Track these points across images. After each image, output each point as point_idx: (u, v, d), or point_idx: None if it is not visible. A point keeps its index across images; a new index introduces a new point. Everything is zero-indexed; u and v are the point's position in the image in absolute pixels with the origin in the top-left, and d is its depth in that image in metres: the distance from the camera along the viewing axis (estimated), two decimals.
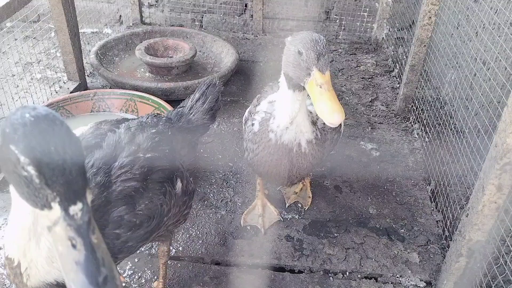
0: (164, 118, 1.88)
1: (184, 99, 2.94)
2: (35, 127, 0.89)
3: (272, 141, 1.97)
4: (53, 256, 1.21)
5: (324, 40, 1.74)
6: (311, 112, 2.05)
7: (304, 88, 1.79)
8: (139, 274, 2.13)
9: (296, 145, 1.96)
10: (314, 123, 2.04)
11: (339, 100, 1.75)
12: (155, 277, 2.11)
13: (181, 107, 2.08)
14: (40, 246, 1.20)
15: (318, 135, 2.04)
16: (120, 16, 4.67)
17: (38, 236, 1.18)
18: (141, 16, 4.46)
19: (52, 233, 0.91)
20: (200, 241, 2.30)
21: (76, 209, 0.91)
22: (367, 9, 4.35)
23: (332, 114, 1.65)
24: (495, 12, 2.56)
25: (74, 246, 0.91)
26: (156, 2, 4.56)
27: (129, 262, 2.17)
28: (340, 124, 2.24)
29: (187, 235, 2.33)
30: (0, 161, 0.93)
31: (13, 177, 0.91)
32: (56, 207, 0.90)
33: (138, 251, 2.20)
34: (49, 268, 1.26)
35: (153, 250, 2.25)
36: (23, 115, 0.90)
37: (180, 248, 2.26)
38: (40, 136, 0.89)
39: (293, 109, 1.88)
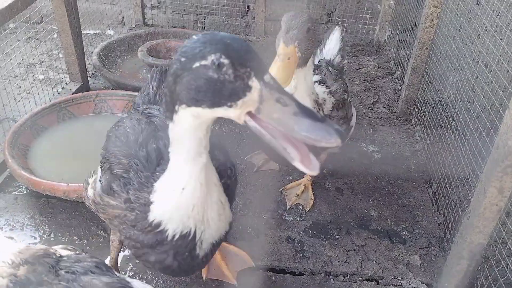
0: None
1: None
2: (203, 38, 1.09)
3: None
4: (221, 207, 1.42)
5: (303, 19, 1.83)
6: (318, 96, 2.08)
7: (303, 65, 1.88)
8: (140, 275, 2.13)
9: None
10: (319, 105, 2.06)
11: None
12: (156, 278, 2.11)
13: (145, 99, 2.03)
14: (213, 199, 1.38)
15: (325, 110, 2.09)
16: (123, 17, 4.68)
17: (210, 188, 1.33)
18: (144, 18, 4.47)
19: (262, 112, 1.05)
20: None
21: (268, 77, 1.07)
22: (369, 11, 4.36)
23: None
24: (497, 15, 2.56)
25: (285, 104, 1.03)
26: (159, 3, 4.58)
27: (130, 264, 2.18)
28: (352, 115, 2.24)
29: None
30: (192, 89, 1.08)
31: (207, 93, 1.07)
32: (255, 83, 1.05)
33: None
34: (219, 223, 1.45)
35: None
36: (187, 44, 1.11)
37: None
38: (211, 39, 1.08)
39: (293, 86, 1.94)
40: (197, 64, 1.08)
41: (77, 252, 1.30)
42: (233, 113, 1.10)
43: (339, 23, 4.44)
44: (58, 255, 1.24)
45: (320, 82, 2.21)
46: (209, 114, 1.14)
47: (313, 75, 2.18)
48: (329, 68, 2.38)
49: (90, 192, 1.73)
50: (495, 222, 1.80)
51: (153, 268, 1.57)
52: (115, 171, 1.53)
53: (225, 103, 1.08)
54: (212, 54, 1.05)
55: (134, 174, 1.47)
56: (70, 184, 2.23)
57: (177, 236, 1.39)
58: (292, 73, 1.80)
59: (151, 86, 2.05)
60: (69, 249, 1.31)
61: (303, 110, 1.03)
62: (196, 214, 1.37)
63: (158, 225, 1.39)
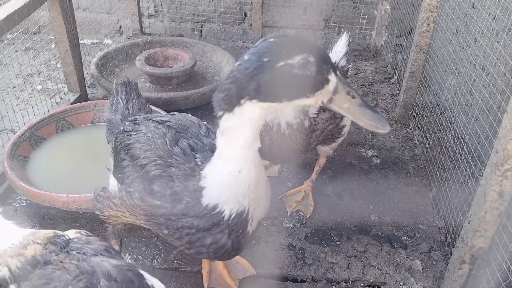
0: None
1: (184, 109, 2.95)
2: (284, 40, 1.24)
3: None
4: (267, 185, 1.60)
5: None
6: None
7: None
8: None
9: (276, 124, 2.12)
10: (304, 110, 2.16)
11: None
12: None
13: (122, 113, 2.08)
14: (262, 178, 1.53)
15: (305, 123, 2.16)
16: (120, 26, 4.70)
17: (260, 169, 1.48)
18: (141, 27, 4.48)
19: (335, 101, 1.27)
20: None
21: (338, 73, 1.26)
22: (366, 17, 4.37)
23: None
24: (493, 19, 2.57)
25: (353, 97, 1.27)
26: (156, 12, 4.59)
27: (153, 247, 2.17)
28: (340, 119, 2.32)
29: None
30: (273, 86, 1.22)
31: (290, 88, 1.23)
32: (332, 77, 1.25)
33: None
34: (265, 201, 1.63)
35: (155, 262, 2.25)
36: (260, 44, 1.25)
37: (183, 260, 2.26)
38: (294, 41, 1.23)
39: None
40: (281, 63, 1.20)
41: (88, 234, 1.33)
42: (309, 101, 1.28)
43: (336, 28, 4.46)
44: (67, 238, 1.27)
45: None
46: (282, 106, 1.29)
47: None
48: None
49: (115, 201, 1.74)
50: (496, 225, 1.80)
51: (206, 253, 1.64)
52: (152, 173, 1.59)
53: (304, 95, 1.25)
54: (299, 54, 1.19)
55: (177, 169, 1.55)
56: (69, 195, 2.22)
57: (233, 215, 1.52)
58: None
59: (120, 100, 2.10)
60: (82, 233, 1.33)
61: (366, 103, 1.28)
62: (250, 193, 1.50)
63: (215, 207, 1.50)
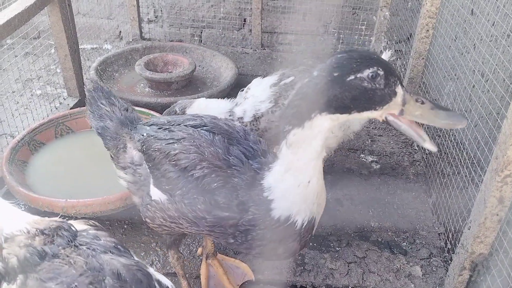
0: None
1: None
2: (353, 55, 1.28)
3: None
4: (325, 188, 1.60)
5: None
6: (245, 111, 2.35)
7: None
8: None
9: None
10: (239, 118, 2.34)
11: None
12: None
13: (114, 119, 2.01)
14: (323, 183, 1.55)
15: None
16: (120, 32, 4.70)
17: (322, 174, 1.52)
18: (141, 32, 4.49)
19: (406, 112, 1.29)
20: (201, 258, 2.28)
21: (404, 85, 1.29)
22: (365, 23, 4.39)
23: None
24: (492, 25, 2.58)
25: (422, 102, 1.28)
26: (156, 17, 4.60)
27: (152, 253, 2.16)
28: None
29: (188, 251, 2.32)
30: (343, 99, 1.27)
31: (359, 101, 1.27)
32: (399, 89, 1.27)
33: None
34: (324, 203, 1.63)
35: (154, 267, 2.23)
36: (329, 60, 1.30)
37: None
38: (362, 55, 1.27)
39: None
40: (351, 77, 1.25)
41: (97, 227, 1.32)
42: (377, 114, 1.31)
43: (335, 34, 4.47)
44: (75, 230, 1.26)
45: (286, 83, 2.38)
46: (351, 117, 1.32)
47: (290, 76, 2.38)
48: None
49: (171, 213, 1.68)
50: (496, 232, 1.79)
51: (274, 257, 1.65)
52: (215, 184, 1.56)
53: (373, 108, 1.28)
54: (370, 68, 1.24)
55: (239, 179, 1.54)
56: (68, 200, 2.21)
57: (305, 224, 1.53)
58: None
59: (101, 105, 2.02)
60: (89, 224, 1.33)
61: (436, 104, 1.29)
62: (319, 199, 1.53)
63: (287, 219, 1.50)
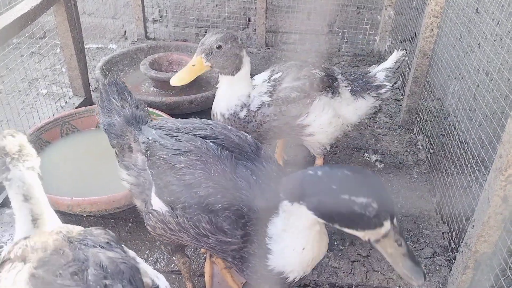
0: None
1: (188, 114, 2.96)
2: (358, 178, 1.29)
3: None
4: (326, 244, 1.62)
5: (217, 37, 2.21)
6: (249, 96, 2.37)
7: (229, 74, 2.29)
8: None
9: (214, 113, 2.42)
10: (243, 104, 2.35)
11: None
12: None
13: (121, 116, 1.96)
14: (323, 244, 1.59)
15: (240, 114, 2.35)
16: (125, 31, 4.73)
17: (322, 237, 1.55)
18: (146, 32, 4.51)
19: (381, 243, 1.32)
20: (205, 256, 2.29)
21: (395, 221, 1.30)
22: (369, 22, 4.39)
23: (174, 77, 2.34)
24: (497, 24, 2.57)
25: (399, 245, 1.31)
26: (161, 17, 4.62)
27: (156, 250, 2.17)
28: (295, 118, 2.41)
29: (192, 249, 2.33)
30: (330, 212, 1.29)
31: (344, 219, 1.28)
32: (387, 223, 1.28)
33: None
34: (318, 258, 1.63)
35: (158, 265, 2.25)
36: (336, 172, 1.31)
37: None
38: (365, 182, 1.29)
39: (218, 84, 2.38)
40: (346, 196, 1.26)
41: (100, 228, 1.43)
42: (359, 234, 1.32)
43: (339, 33, 4.47)
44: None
45: (275, 79, 2.43)
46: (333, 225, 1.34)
47: (278, 72, 2.46)
48: (304, 69, 2.43)
49: (171, 226, 1.68)
50: (500, 231, 1.79)
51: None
52: (219, 206, 1.53)
53: (355, 228, 1.30)
54: (365, 197, 1.25)
55: (248, 209, 1.52)
56: (73, 198, 2.23)
57: (296, 280, 1.58)
58: (191, 77, 2.31)
59: (113, 100, 1.97)
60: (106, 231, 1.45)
61: (410, 254, 1.33)
62: (314, 262, 1.57)
63: (280, 273, 1.54)
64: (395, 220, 1.31)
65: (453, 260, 2.26)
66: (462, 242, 1.98)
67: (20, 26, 2.52)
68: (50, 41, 4.30)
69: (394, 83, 2.69)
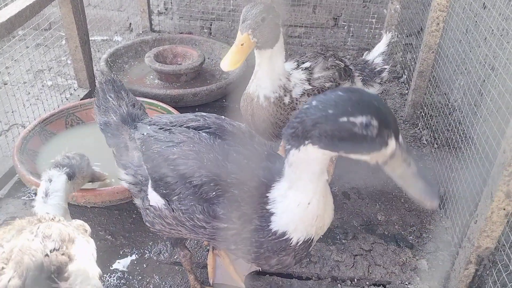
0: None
1: (192, 106, 2.94)
2: (354, 96, 1.23)
3: (246, 91, 2.36)
4: (333, 211, 1.62)
5: (259, 9, 2.08)
6: (289, 80, 2.29)
7: (268, 47, 2.15)
8: (147, 280, 2.14)
9: (256, 96, 2.27)
10: (286, 88, 2.27)
11: None
12: (163, 283, 2.12)
13: (118, 115, 1.97)
14: (329, 206, 1.58)
15: (284, 100, 2.27)
16: (130, 24, 4.72)
17: (328, 198, 1.54)
18: (151, 24, 4.51)
19: (389, 165, 1.28)
20: (208, 248, 2.30)
21: (400, 138, 1.26)
22: (375, 16, 4.36)
23: (223, 60, 2.09)
24: (504, 19, 2.55)
25: (409, 164, 1.27)
26: (166, 10, 4.61)
27: (137, 268, 2.19)
28: None
29: (195, 242, 2.34)
30: (332, 138, 1.25)
31: (347, 144, 1.24)
32: (392, 142, 1.24)
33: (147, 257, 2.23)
34: (329, 224, 1.64)
35: (161, 256, 2.26)
36: (329, 94, 1.27)
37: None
38: (363, 100, 1.22)
39: (257, 64, 2.24)
40: (344, 119, 1.22)
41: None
42: (366, 158, 1.30)
43: (345, 27, 4.45)
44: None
45: (306, 68, 2.41)
46: (341, 154, 1.31)
47: (306, 62, 2.43)
48: (329, 59, 2.47)
49: (169, 221, 1.68)
50: (503, 226, 1.79)
51: (268, 266, 1.67)
52: (213, 193, 1.54)
53: (360, 152, 1.27)
54: (364, 115, 1.20)
55: (240, 190, 1.52)
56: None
57: (300, 242, 1.54)
58: (243, 57, 2.10)
59: (109, 98, 1.97)
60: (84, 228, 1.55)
61: (420, 173, 1.28)
62: (318, 222, 1.53)
63: (283, 234, 1.51)
64: (400, 138, 1.27)
65: (456, 255, 2.26)
66: (465, 237, 1.98)
67: (25, 18, 2.52)
68: (55, 33, 4.31)
69: (392, 65, 2.74)
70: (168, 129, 1.72)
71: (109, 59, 3.60)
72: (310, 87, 2.34)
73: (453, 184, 2.53)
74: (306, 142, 1.31)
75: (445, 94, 3.25)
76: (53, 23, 4.28)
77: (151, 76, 3.67)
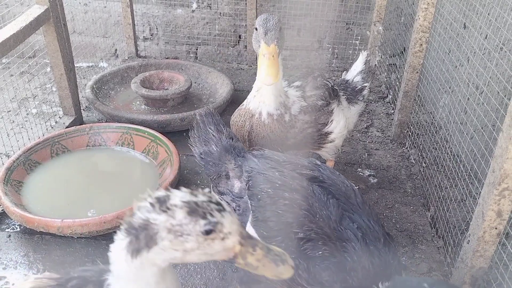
0: None
1: (180, 131, 2.89)
2: None
3: (243, 106, 2.33)
4: None
5: (275, 19, 2.07)
6: (288, 97, 2.30)
7: None
8: None
9: (257, 112, 2.25)
10: (286, 106, 2.27)
11: None
12: None
13: (220, 148, 1.93)
14: None
15: (285, 117, 2.27)
16: (116, 50, 4.73)
17: None
18: (136, 50, 4.51)
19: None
20: (199, 276, 2.26)
21: None
22: (359, 37, 4.43)
23: (266, 76, 1.99)
24: (485, 38, 2.60)
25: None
26: (151, 35, 4.63)
27: None
28: (329, 122, 2.42)
29: (186, 270, 2.29)
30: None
31: None
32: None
33: None
34: None
35: None
36: None
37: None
38: None
39: (256, 80, 2.22)
40: None
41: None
42: None
43: (329, 49, 4.51)
44: None
45: (298, 86, 2.43)
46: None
47: (295, 81, 2.44)
48: (318, 79, 2.50)
49: None
50: (495, 245, 1.78)
51: None
52: (320, 253, 1.39)
53: None
54: None
55: (351, 259, 1.35)
56: (64, 220, 2.19)
57: None
58: (278, 68, 2.04)
59: (210, 130, 1.96)
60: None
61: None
62: None
63: None
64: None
65: (450, 275, 2.25)
66: (458, 257, 1.97)
67: (9, 47, 2.50)
68: (40, 60, 4.28)
69: (371, 81, 2.82)
70: (280, 171, 1.61)
71: (94, 86, 3.58)
72: (306, 104, 2.36)
73: (443, 203, 2.53)
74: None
75: (430, 113, 3.29)
76: (38, 51, 4.26)
77: (138, 102, 3.65)
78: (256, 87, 2.26)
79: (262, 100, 2.23)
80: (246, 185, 1.67)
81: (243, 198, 1.67)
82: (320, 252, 1.37)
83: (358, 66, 2.80)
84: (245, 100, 2.35)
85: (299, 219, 1.43)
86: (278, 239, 1.45)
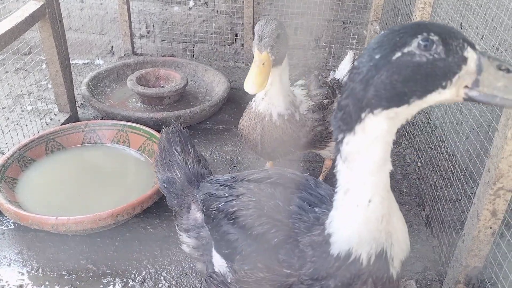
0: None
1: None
2: (396, 28, 1.03)
3: (252, 109, 2.28)
4: (401, 215, 1.29)
5: (273, 26, 2.03)
6: (295, 96, 2.30)
7: (278, 64, 2.11)
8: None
9: (268, 114, 2.22)
10: (294, 105, 2.26)
11: None
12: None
13: (184, 171, 1.84)
14: (395, 206, 1.25)
15: (295, 116, 2.25)
16: (112, 47, 4.71)
17: (391, 195, 1.22)
18: (133, 47, 4.50)
19: (483, 82, 0.98)
20: (194, 274, 2.25)
21: (477, 46, 1.00)
22: (356, 37, 4.43)
23: (251, 84, 1.95)
24: (481, 38, 2.61)
25: (508, 70, 0.97)
26: (148, 33, 4.62)
27: (143, 270, 2.12)
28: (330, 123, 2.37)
29: (180, 268, 2.29)
30: (395, 85, 1.00)
31: (417, 82, 0.99)
32: (470, 53, 0.98)
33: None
34: (405, 234, 1.30)
35: (146, 285, 2.20)
36: (372, 40, 1.07)
37: (173, 282, 2.21)
38: (407, 25, 1.01)
39: (268, 82, 2.14)
40: (398, 54, 0.99)
41: None
42: (449, 93, 1.01)
43: (326, 48, 4.51)
44: None
45: (302, 85, 2.44)
46: (412, 109, 1.05)
47: (298, 80, 2.45)
48: (319, 77, 2.51)
49: (232, 287, 1.49)
50: (490, 245, 1.79)
51: None
52: (275, 240, 1.38)
53: (439, 85, 0.99)
54: (417, 36, 0.97)
55: (299, 226, 1.36)
56: (58, 217, 2.18)
57: (373, 258, 1.21)
58: (267, 77, 2.02)
59: (175, 152, 1.83)
60: None
61: None
62: (386, 225, 1.20)
63: (348, 255, 1.21)
64: (476, 46, 1.01)
65: (444, 275, 2.25)
66: (452, 257, 1.98)
67: (4, 43, 2.48)
68: (35, 57, 4.26)
69: None
70: (229, 185, 1.61)
71: (90, 83, 3.56)
72: (313, 103, 2.36)
73: (438, 202, 2.54)
74: (363, 115, 1.06)
75: (426, 112, 3.29)
76: (33, 47, 4.24)
77: (134, 100, 3.64)
78: (265, 90, 2.22)
79: (271, 102, 2.20)
80: (203, 212, 1.64)
81: (204, 227, 1.65)
82: (276, 240, 1.37)
83: (346, 65, 2.78)
84: (253, 103, 2.30)
85: (250, 218, 1.43)
86: (240, 248, 1.44)
